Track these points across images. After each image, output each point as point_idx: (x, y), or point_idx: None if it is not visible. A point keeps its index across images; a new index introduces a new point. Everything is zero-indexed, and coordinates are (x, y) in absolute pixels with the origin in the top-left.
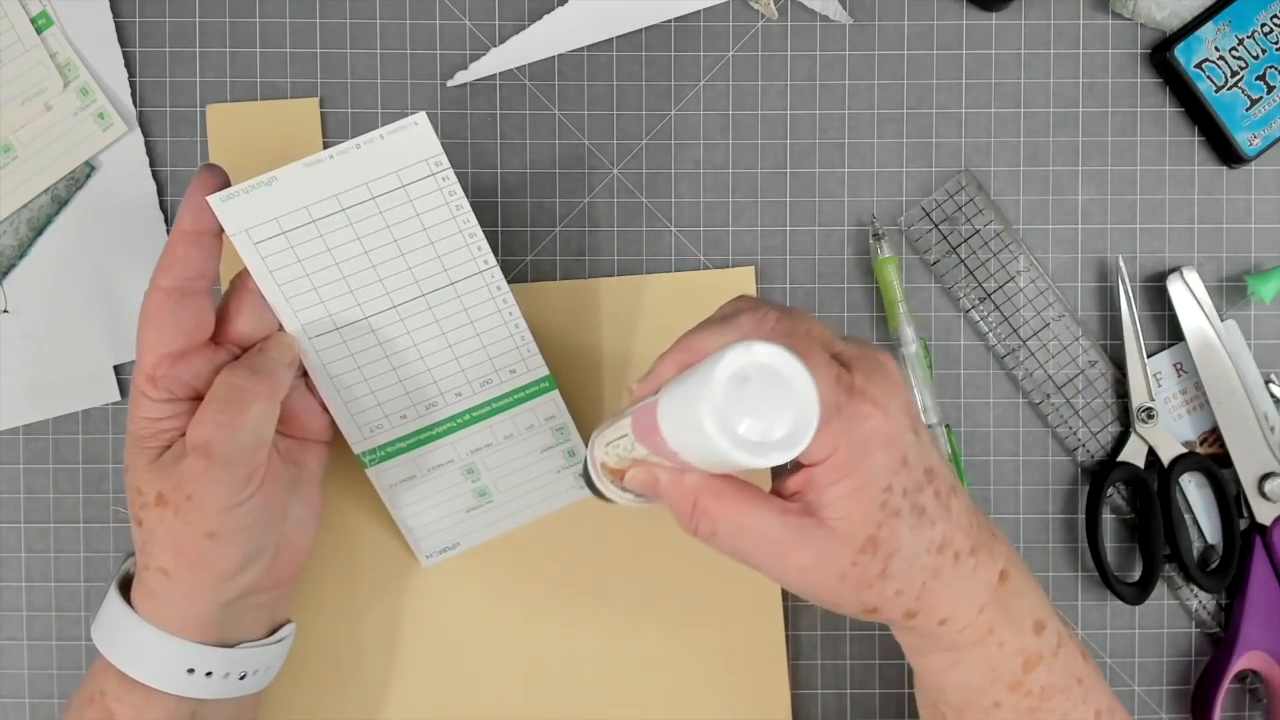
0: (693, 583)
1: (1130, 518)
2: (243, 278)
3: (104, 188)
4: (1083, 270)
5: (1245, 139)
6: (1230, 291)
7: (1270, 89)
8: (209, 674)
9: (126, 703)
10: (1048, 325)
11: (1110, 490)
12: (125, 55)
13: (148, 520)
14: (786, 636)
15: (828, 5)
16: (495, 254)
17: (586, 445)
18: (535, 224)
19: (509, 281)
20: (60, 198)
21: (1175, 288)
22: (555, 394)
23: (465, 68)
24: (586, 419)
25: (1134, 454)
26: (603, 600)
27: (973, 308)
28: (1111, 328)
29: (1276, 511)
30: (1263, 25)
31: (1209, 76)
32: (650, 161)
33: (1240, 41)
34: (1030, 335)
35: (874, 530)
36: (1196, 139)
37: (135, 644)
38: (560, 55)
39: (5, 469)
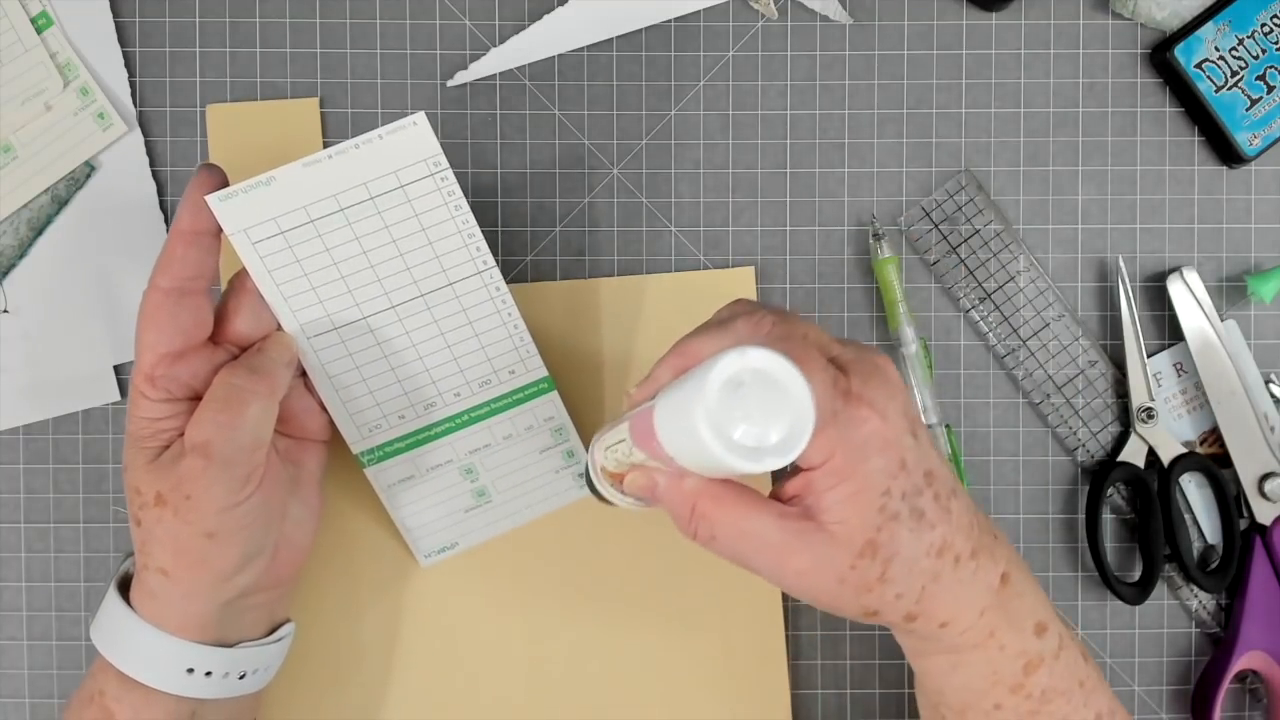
0: (693, 583)
1: (1130, 518)
2: (241, 277)
3: (104, 188)
4: (1083, 270)
5: (1245, 139)
6: (1230, 291)
7: (1270, 89)
8: (208, 674)
9: (126, 702)
10: (1048, 325)
11: (1110, 490)
12: (125, 55)
13: (146, 520)
14: (786, 637)
15: (828, 5)
16: (495, 254)
17: (586, 446)
18: (535, 224)
19: (509, 282)
20: (60, 198)
21: (1175, 288)
22: (554, 395)
23: (465, 68)
24: (586, 420)
25: (1134, 454)
26: (602, 600)
27: (973, 308)
28: (1111, 328)
29: (1276, 511)
30: (1263, 25)
31: (1209, 76)
32: (650, 161)
33: (1240, 41)
34: (1030, 335)
35: (873, 534)
36: (1196, 139)
37: (134, 644)
38: (560, 55)
39: (5, 469)
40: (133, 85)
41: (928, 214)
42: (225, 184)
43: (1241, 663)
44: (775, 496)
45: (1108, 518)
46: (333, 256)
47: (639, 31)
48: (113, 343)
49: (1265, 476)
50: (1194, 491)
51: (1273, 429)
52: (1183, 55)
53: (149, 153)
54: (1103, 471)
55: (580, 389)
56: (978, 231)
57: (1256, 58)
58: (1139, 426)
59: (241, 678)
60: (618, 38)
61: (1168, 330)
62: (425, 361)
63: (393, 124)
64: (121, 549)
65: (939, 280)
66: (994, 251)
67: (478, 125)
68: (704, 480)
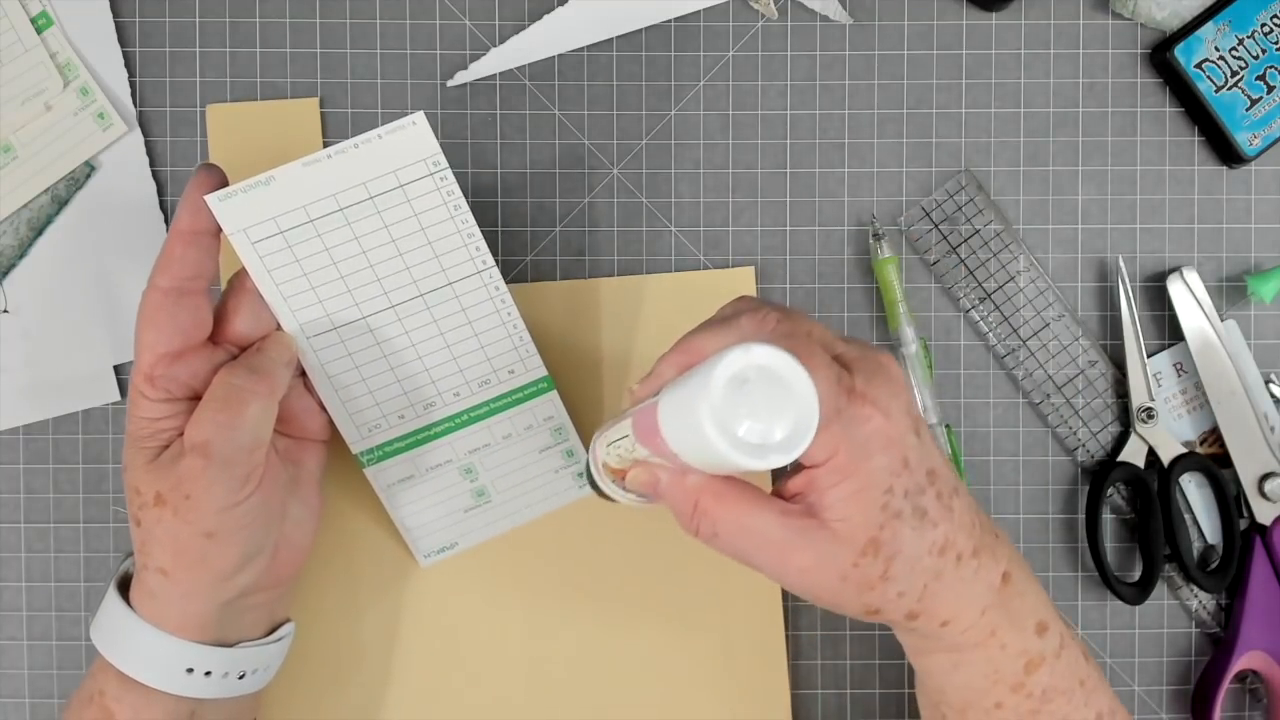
0: (693, 583)
1: (1130, 518)
2: (241, 277)
3: (104, 188)
4: (1083, 270)
5: (1245, 139)
6: (1230, 291)
7: (1270, 89)
8: (208, 673)
9: (125, 702)
10: (1048, 325)
11: (1110, 490)
12: (125, 55)
13: (146, 520)
14: (786, 636)
15: (828, 5)
16: (495, 254)
17: (586, 446)
18: (535, 224)
19: (509, 282)
20: (60, 198)
21: (1175, 288)
22: (554, 394)
23: (465, 68)
24: (585, 419)
25: (1134, 454)
26: (602, 600)
27: (973, 308)
28: (1111, 328)
29: (1276, 511)
30: (1263, 25)
31: (1209, 76)
32: (650, 161)
33: (1240, 41)
34: (1030, 335)
35: (875, 532)
36: (1196, 139)
37: (134, 644)
38: (560, 55)
39: (5, 469)
40: (133, 85)
41: (928, 214)
42: (225, 184)
43: (1241, 663)
44: (778, 494)
45: (1108, 518)
46: (332, 256)
47: (639, 31)
48: (113, 343)
49: (1265, 476)
50: (1194, 491)
51: (1273, 429)
52: (1183, 55)
53: (149, 153)
54: (1103, 471)
55: (579, 389)
56: (978, 231)
57: (1256, 58)
58: (1139, 426)
59: (241, 678)
60: (618, 38)
61: (1168, 330)
62: (425, 361)
63: (392, 124)
64: (121, 549)
65: (939, 280)
66: (994, 251)
67: (478, 125)
68: (706, 477)
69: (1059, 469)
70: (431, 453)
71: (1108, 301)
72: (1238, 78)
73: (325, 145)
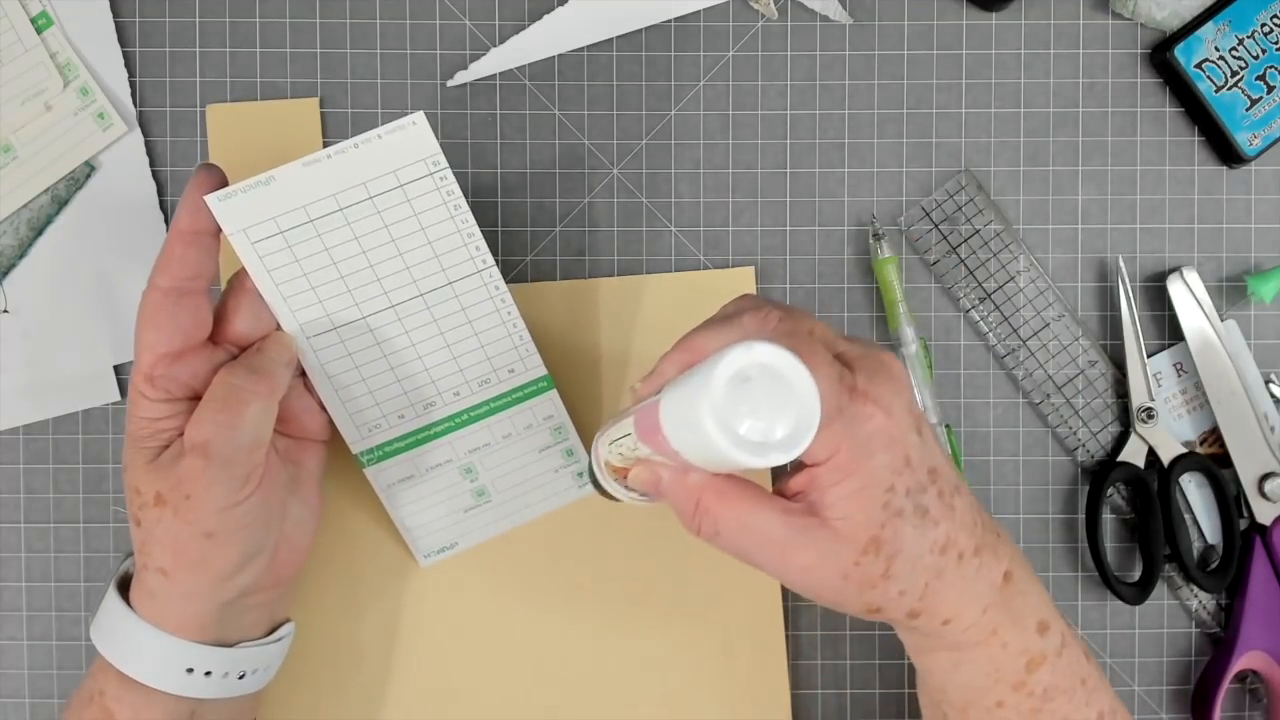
0: (693, 583)
1: (1130, 518)
2: (240, 277)
3: (104, 188)
4: (1083, 270)
5: (1245, 139)
6: (1230, 291)
7: (1270, 89)
8: (208, 673)
9: (125, 702)
10: (1048, 325)
11: (1110, 490)
12: (125, 55)
13: (146, 520)
14: (786, 636)
15: (828, 5)
16: (495, 254)
17: (586, 445)
18: (535, 224)
19: (509, 281)
20: (60, 198)
21: (1175, 288)
22: (553, 394)
23: (465, 68)
24: (585, 419)
25: (1134, 454)
26: (602, 600)
27: (973, 308)
28: (1111, 328)
29: (1276, 511)
30: (1263, 25)
31: (1209, 76)
32: (650, 161)
33: (1240, 41)
34: (1030, 335)
35: (877, 531)
36: (1196, 139)
37: (134, 644)
38: (560, 55)
39: (5, 469)
40: (133, 85)
41: (928, 214)
42: (224, 184)
43: (1241, 663)
44: (779, 492)
45: (1108, 518)
46: (332, 256)
47: (639, 31)
48: (113, 343)
49: (1265, 476)
50: (1194, 491)
51: (1273, 429)
52: (1183, 55)
53: (149, 153)
54: (1103, 471)
55: (579, 388)
56: (978, 231)
57: (1256, 58)
58: (1139, 426)
59: (241, 678)
60: (618, 38)
61: (1168, 330)
62: (425, 361)
63: (392, 124)
64: (121, 549)
65: (939, 280)
66: (994, 251)
67: (478, 125)
68: (708, 475)
69: (1059, 469)
70: (431, 452)
71: (1108, 301)
72: (1238, 78)
73: (325, 145)
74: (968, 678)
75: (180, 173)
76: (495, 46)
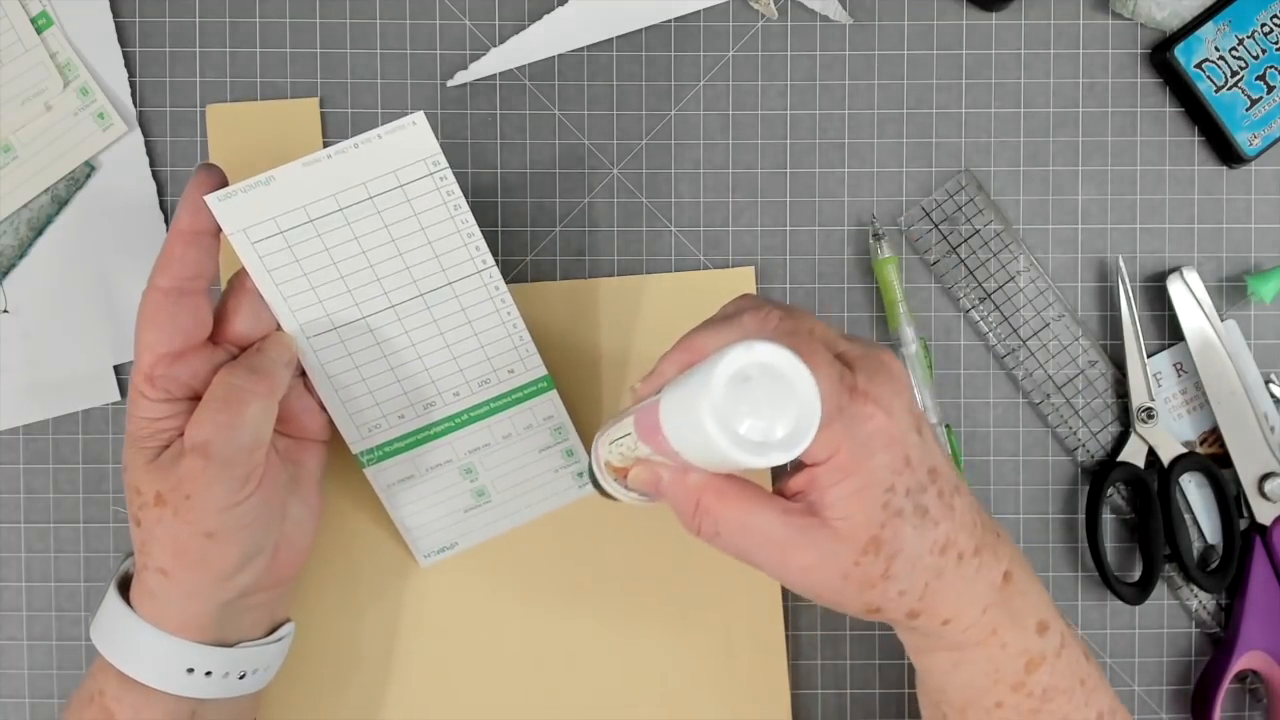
0: (693, 583)
1: (1130, 518)
2: (240, 277)
3: (104, 188)
4: (1083, 270)
5: (1245, 139)
6: (1230, 291)
7: (1270, 89)
8: (208, 674)
9: (126, 702)
10: (1048, 325)
11: (1110, 490)
12: (125, 55)
13: (146, 520)
14: (786, 636)
15: (828, 5)
16: (495, 254)
17: (586, 445)
18: (535, 224)
19: (509, 281)
20: (60, 198)
21: (1175, 288)
22: (553, 394)
23: (465, 68)
24: (585, 419)
25: (1134, 454)
26: (602, 600)
27: (973, 308)
28: (1111, 328)
29: (1276, 511)
30: (1263, 25)
31: (1209, 76)
32: (650, 161)
33: (1240, 41)
34: (1030, 335)
35: (877, 530)
36: (1196, 139)
37: (134, 644)
38: (560, 55)
39: (5, 469)
40: (133, 85)
41: (928, 214)
42: (224, 184)
43: (1241, 663)
44: (779, 492)
45: (1108, 518)
46: (332, 256)
47: (639, 31)
48: (113, 343)
49: (1265, 476)
50: (1194, 491)
51: (1273, 429)
52: (1183, 55)
53: (149, 153)
54: (1103, 471)
55: (579, 388)
56: (978, 231)
57: (1256, 58)
58: (1139, 426)
59: (242, 678)
60: (618, 38)
61: (1168, 330)
62: (425, 361)
63: (392, 124)
64: (121, 549)
65: (939, 280)
66: (994, 251)
67: (478, 125)
68: (708, 475)
69: (1059, 469)
70: (431, 452)
71: (1108, 301)
72: (1238, 78)
73: (325, 145)
74: (967, 678)
75: (180, 173)
76: (495, 46)
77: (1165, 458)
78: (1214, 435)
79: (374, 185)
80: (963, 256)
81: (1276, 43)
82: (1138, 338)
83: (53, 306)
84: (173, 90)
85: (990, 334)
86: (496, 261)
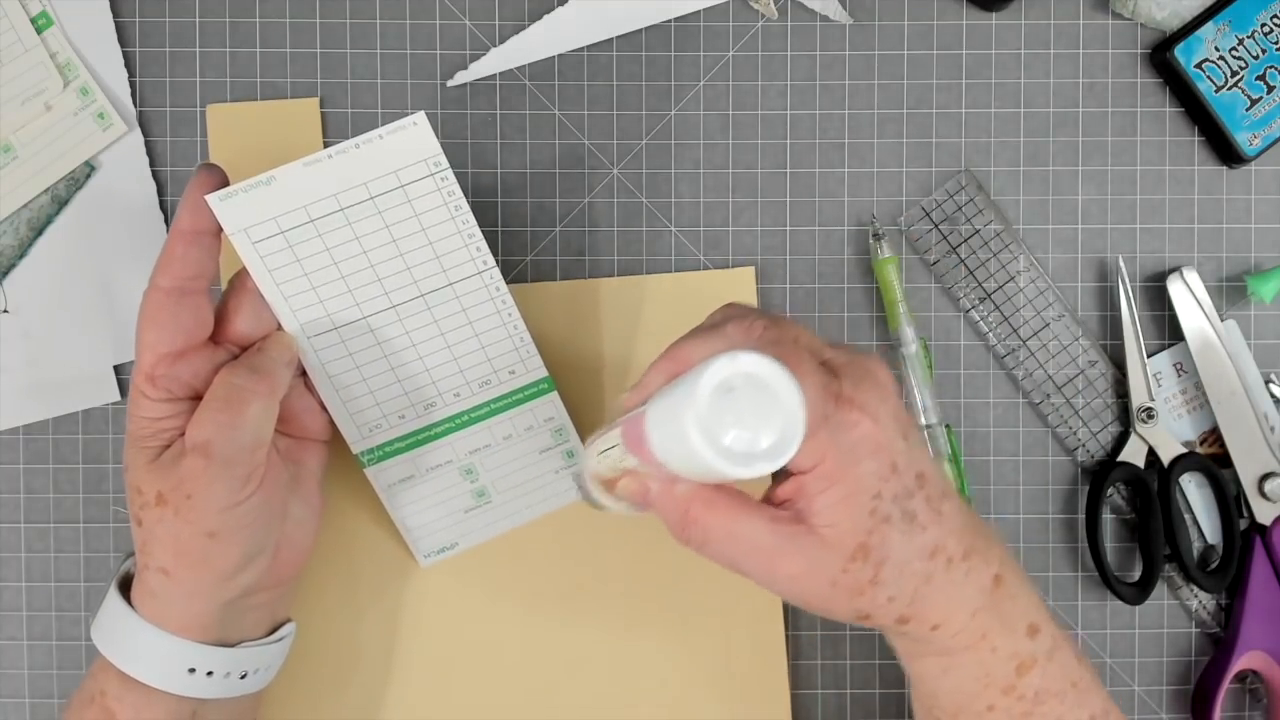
0: (692, 582)
1: (1130, 518)
2: (241, 277)
3: (104, 188)
4: (1083, 270)
5: (1245, 139)
6: (1230, 291)
7: (1270, 89)
8: (210, 673)
9: (127, 702)
10: (1048, 325)
11: (1110, 490)
12: (125, 55)
13: (147, 520)
14: (786, 636)
15: (828, 5)
16: (495, 254)
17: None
18: (535, 224)
19: (508, 282)
20: (60, 198)
21: (1175, 288)
22: (554, 395)
23: (465, 68)
24: (585, 420)
25: (1134, 454)
26: (602, 600)
27: (973, 308)
28: (1111, 328)
29: (1276, 511)
30: (1263, 25)
31: (1209, 76)
32: (650, 161)
33: (1240, 41)
34: (1030, 335)
35: (864, 537)
36: (1196, 139)
37: (136, 644)
38: (560, 55)
39: (5, 469)
40: (133, 85)
41: (928, 214)
42: (225, 183)
43: (1241, 663)
44: (768, 500)
45: (1108, 518)
46: (333, 256)
47: (639, 31)
48: (113, 343)
49: (1265, 476)
50: (1194, 491)
51: (1273, 429)
52: (1183, 55)
53: (149, 153)
54: (1103, 471)
55: (579, 390)
56: (978, 231)
57: (1256, 58)
58: (1139, 426)
59: (243, 677)
60: (618, 38)
61: (1168, 330)
62: (425, 361)
63: (393, 124)
64: (121, 549)
65: (939, 280)
66: (994, 251)
67: (478, 125)
68: (696, 485)
69: (1059, 469)
70: (432, 453)
71: (1108, 301)
72: (1238, 78)
73: (325, 145)
74: (958, 682)
75: (180, 173)
76: (495, 46)
77: (1165, 458)
78: (1214, 435)
79: (375, 185)
80: (963, 256)
81: (1276, 43)
82: (1138, 338)
83: (53, 306)
84: (173, 90)
85: (990, 334)
86: (497, 262)
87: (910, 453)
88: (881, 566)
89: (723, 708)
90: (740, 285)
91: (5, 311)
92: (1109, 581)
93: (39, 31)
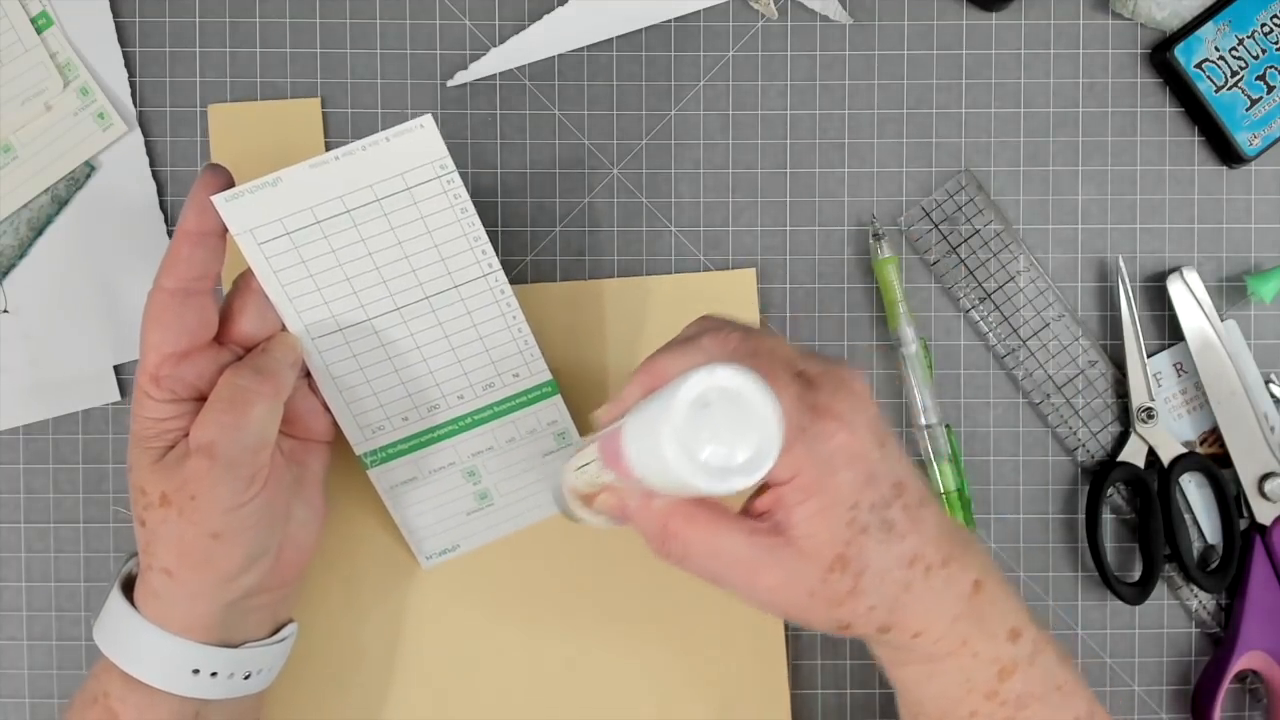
0: (693, 583)
1: (1130, 518)
2: (246, 278)
3: (104, 188)
4: (1083, 270)
5: (1245, 139)
6: (1230, 291)
7: (1270, 89)
8: (214, 674)
9: (130, 703)
10: (1048, 325)
11: (1110, 490)
12: (125, 55)
13: (151, 521)
14: (786, 637)
15: (828, 5)
16: (495, 254)
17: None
18: (535, 224)
19: (508, 282)
20: (60, 198)
21: (1175, 288)
22: (558, 399)
23: (465, 68)
24: (585, 423)
25: (1134, 454)
26: (602, 601)
27: (973, 308)
28: (1111, 328)
29: (1276, 511)
30: (1263, 25)
31: (1209, 76)
32: (650, 161)
33: (1240, 41)
34: (1030, 335)
35: (842, 548)
36: (1196, 139)
37: (139, 645)
38: (560, 55)
39: (5, 469)
40: (133, 85)
41: (928, 214)
42: (231, 184)
43: (1241, 663)
44: (746, 512)
45: (1108, 518)
46: (338, 258)
47: (639, 31)
48: (113, 343)
49: (1265, 476)
50: (1194, 491)
51: (1273, 429)
52: (1183, 55)
53: (149, 153)
54: (1103, 471)
55: (580, 391)
56: (978, 231)
57: (1256, 58)
58: (1139, 426)
59: (246, 678)
60: (618, 38)
61: (1168, 330)
62: (429, 363)
63: (400, 126)
64: (122, 549)
65: (939, 280)
66: (994, 251)
67: (478, 125)
68: (674, 499)
69: (1059, 469)
70: (435, 455)
71: (1108, 301)
72: (1238, 78)
73: (326, 146)
74: (941, 689)
75: (180, 173)
76: (495, 46)
77: (1165, 458)
78: (1214, 435)
79: (381, 188)
80: (963, 256)
81: (1276, 43)
82: (1138, 338)
83: (53, 306)
84: (173, 90)
85: (990, 334)
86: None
87: (887, 461)
88: (860, 576)
89: (723, 708)
90: (741, 287)
91: (5, 311)
92: (1109, 581)
93: (39, 31)
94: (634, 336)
